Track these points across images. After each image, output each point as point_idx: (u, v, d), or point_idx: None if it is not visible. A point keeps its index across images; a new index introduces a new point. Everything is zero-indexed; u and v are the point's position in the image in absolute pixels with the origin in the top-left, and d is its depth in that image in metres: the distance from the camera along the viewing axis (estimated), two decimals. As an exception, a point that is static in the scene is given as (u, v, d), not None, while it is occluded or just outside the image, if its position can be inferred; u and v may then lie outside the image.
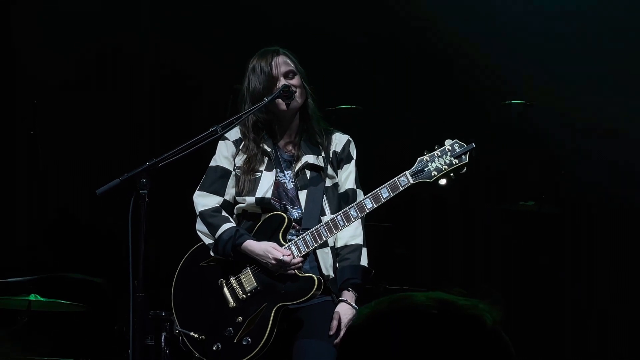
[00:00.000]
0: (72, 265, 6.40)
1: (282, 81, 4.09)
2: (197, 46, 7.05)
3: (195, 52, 7.04)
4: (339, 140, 4.23)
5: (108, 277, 6.13)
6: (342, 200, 4.15)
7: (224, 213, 4.13)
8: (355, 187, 4.18)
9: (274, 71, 4.09)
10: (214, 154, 4.24)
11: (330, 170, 4.16)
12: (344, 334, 4.01)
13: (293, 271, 3.96)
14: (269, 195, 4.06)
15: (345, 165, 4.20)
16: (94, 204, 6.76)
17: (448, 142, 3.89)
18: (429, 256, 6.69)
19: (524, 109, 6.55)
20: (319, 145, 4.17)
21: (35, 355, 5.64)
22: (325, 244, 4.04)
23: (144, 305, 3.75)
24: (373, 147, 6.08)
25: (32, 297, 5.61)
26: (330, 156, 4.18)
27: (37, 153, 6.50)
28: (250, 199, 4.08)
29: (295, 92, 4.09)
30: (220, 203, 4.14)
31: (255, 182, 4.09)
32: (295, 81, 4.12)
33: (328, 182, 4.14)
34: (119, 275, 4.06)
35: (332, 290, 4.05)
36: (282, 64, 4.12)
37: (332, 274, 4.07)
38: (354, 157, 4.23)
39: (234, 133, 4.18)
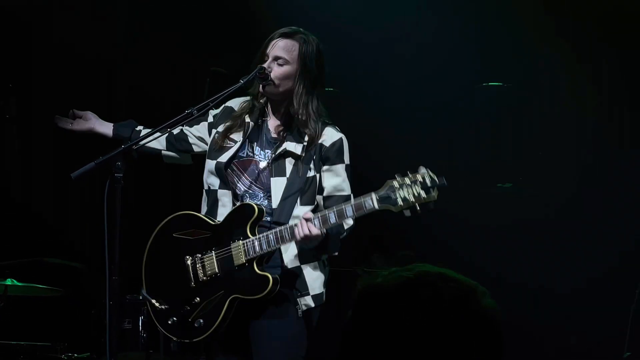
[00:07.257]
0: (50, 250, 6.36)
1: (268, 62, 3.92)
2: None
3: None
4: (329, 136, 3.96)
5: (86, 261, 6.10)
6: (326, 201, 3.95)
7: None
8: (348, 193, 3.93)
9: (268, 49, 3.94)
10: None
11: (309, 161, 3.95)
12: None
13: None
14: (224, 160, 3.98)
15: (332, 166, 3.96)
16: (69, 187, 6.75)
17: (421, 170, 3.57)
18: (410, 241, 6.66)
19: (501, 90, 6.55)
20: (304, 135, 3.94)
21: (12, 340, 5.61)
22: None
23: (120, 289, 3.74)
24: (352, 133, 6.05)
25: (8, 282, 5.57)
26: (315, 146, 3.94)
27: (13, 136, 6.45)
28: (211, 163, 4.01)
29: (270, 76, 3.89)
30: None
31: (223, 150, 4.03)
32: (280, 70, 3.92)
33: (307, 173, 3.94)
34: (97, 259, 4.04)
35: (297, 287, 3.94)
36: (280, 47, 3.93)
37: (297, 263, 3.95)
38: (346, 161, 3.98)
39: (234, 102, 4.11)
